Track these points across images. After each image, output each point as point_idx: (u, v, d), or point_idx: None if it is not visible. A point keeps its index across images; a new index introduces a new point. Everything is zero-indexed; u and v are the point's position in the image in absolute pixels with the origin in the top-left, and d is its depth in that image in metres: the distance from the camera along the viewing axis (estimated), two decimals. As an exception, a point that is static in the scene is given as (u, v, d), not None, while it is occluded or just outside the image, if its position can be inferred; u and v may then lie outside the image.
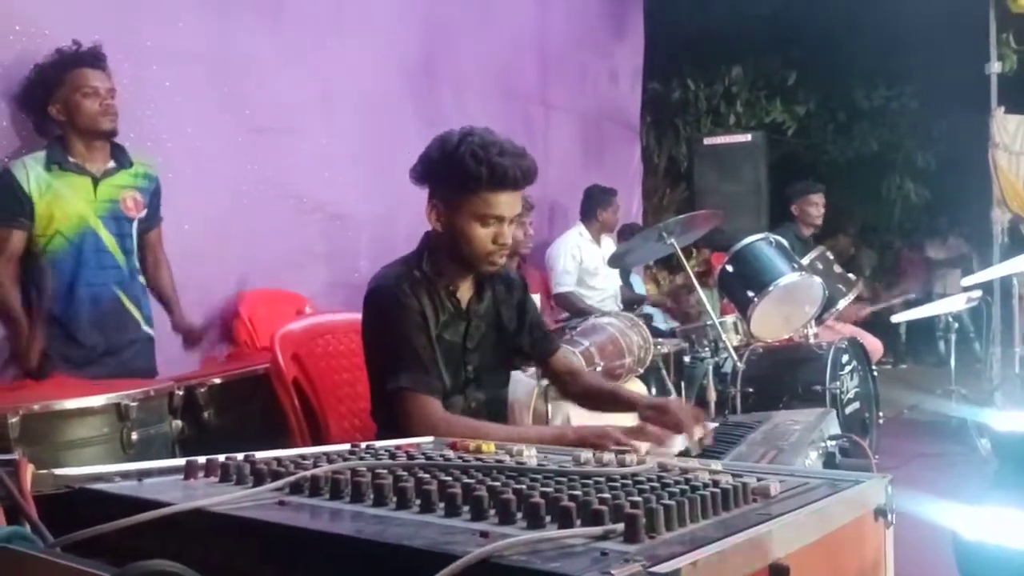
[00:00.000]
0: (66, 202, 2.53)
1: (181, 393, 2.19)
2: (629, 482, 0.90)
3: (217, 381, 2.40)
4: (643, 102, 6.98)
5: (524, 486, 0.86)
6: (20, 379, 2.37)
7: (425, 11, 4.52)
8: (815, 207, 4.99)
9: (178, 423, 2.14)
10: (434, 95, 4.50)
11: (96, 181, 2.59)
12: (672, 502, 0.77)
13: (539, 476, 0.93)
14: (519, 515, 0.79)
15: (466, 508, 0.82)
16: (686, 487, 0.86)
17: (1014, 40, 6.11)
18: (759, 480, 0.94)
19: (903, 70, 9.08)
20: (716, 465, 1.10)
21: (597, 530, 0.72)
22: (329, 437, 2.15)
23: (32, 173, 2.49)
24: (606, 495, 0.81)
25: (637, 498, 0.78)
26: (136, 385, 2.06)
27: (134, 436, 1.93)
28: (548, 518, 0.77)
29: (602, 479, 0.92)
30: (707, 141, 6.85)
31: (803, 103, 9.06)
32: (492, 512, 0.80)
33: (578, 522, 0.75)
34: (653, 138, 8.19)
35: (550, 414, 2.91)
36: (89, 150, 2.59)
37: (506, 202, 1.86)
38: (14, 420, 1.76)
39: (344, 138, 3.95)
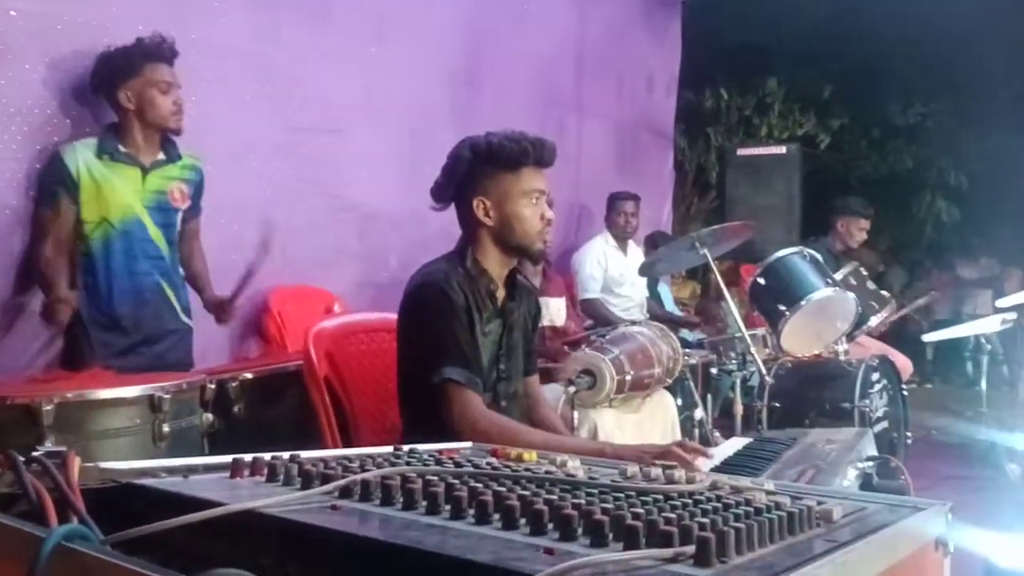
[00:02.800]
0: (114, 190, 2.54)
1: (213, 387, 2.19)
2: (689, 501, 0.87)
3: (249, 376, 2.40)
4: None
5: (582, 500, 0.83)
6: (55, 369, 2.38)
7: (466, 18, 4.53)
8: (861, 231, 4.96)
9: (208, 416, 2.14)
10: (472, 100, 4.50)
11: (145, 172, 2.61)
12: (741, 525, 0.74)
13: (595, 490, 0.91)
14: (580, 531, 0.76)
15: (523, 521, 0.79)
16: (750, 509, 0.83)
17: (1059, 59, 6.02)
18: (819, 503, 0.91)
19: (940, 87, 8.98)
20: (769, 485, 1.07)
21: (667, 552, 0.69)
22: (359, 436, 2.14)
23: (82, 158, 2.51)
24: (669, 515, 0.78)
25: (704, 520, 0.76)
26: (170, 377, 2.06)
27: (165, 428, 1.93)
28: (611, 536, 0.75)
29: (660, 496, 0.89)
30: (740, 152, 6.78)
31: (837, 117, 8.97)
32: (551, 527, 0.78)
33: (643, 543, 0.72)
34: (683, 147, 8.14)
35: (576, 421, 2.88)
36: (145, 141, 2.61)
37: (543, 178, 2.01)
38: (48, 408, 1.77)
39: (382, 139, 3.96)
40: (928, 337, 6.08)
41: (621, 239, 5.04)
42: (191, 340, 2.77)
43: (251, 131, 3.35)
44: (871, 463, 2.10)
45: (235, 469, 1.01)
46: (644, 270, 4.40)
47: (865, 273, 4.38)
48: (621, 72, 5.96)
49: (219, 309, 2.69)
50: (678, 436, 3.29)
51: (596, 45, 5.62)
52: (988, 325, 5.14)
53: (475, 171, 1.98)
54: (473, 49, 4.58)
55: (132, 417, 1.91)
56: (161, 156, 2.66)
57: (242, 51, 3.34)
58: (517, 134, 1.98)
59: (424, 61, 4.24)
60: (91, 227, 2.53)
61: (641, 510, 0.80)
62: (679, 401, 3.62)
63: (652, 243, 5.43)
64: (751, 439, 2.38)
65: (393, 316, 2.09)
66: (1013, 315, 5.10)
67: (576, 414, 2.87)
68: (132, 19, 2.72)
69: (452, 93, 4.41)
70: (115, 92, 2.58)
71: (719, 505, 0.85)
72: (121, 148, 2.58)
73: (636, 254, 5.06)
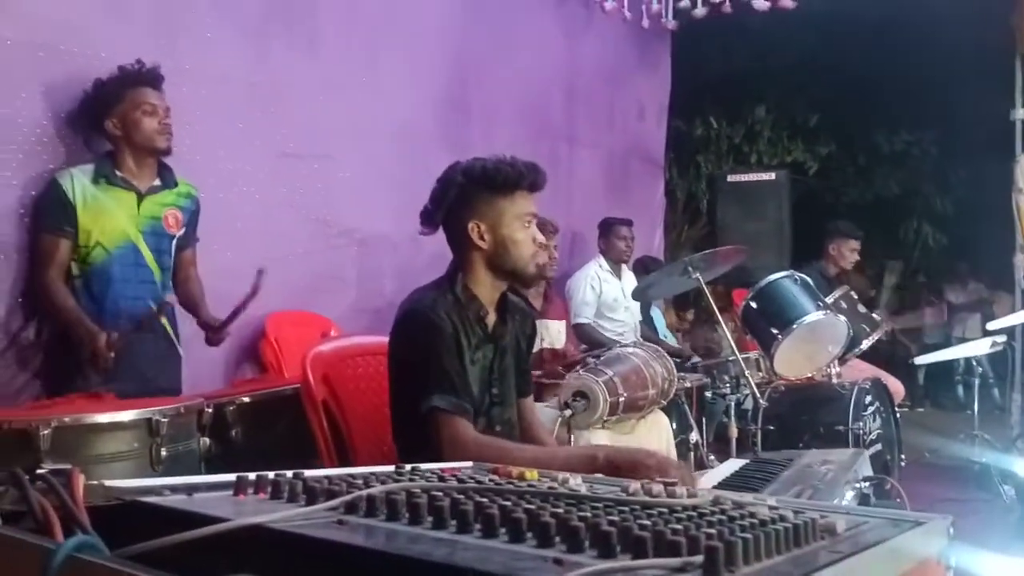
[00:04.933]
0: (110, 215, 2.56)
1: (210, 411, 2.19)
2: (694, 514, 0.87)
3: (246, 400, 2.40)
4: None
5: (588, 513, 0.84)
6: (48, 396, 2.37)
7: (456, 48, 4.58)
8: (853, 252, 5.03)
9: (206, 440, 2.14)
10: (463, 127, 4.55)
11: (141, 197, 2.63)
12: (748, 535, 0.74)
13: (600, 504, 0.91)
14: (587, 543, 0.77)
15: (530, 534, 0.80)
16: (755, 521, 0.84)
17: (1041, 86, 6.12)
18: (822, 517, 0.92)
19: (925, 115, 9.11)
20: (771, 500, 1.07)
21: (675, 562, 0.70)
22: (356, 460, 2.13)
23: (78, 184, 2.53)
24: (676, 526, 0.78)
25: (711, 530, 0.76)
26: (167, 401, 2.06)
27: (163, 452, 1.93)
28: (619, 547, 0.75)
29: (665, 509, 0.89)
30: (730, 178, 6.85)
31: (825, 145, 9.09)
32: (558, 539, 0.78)
33: (651, 553, 0.73)
34: (674, 175, 8.21)
35: (572, 442, 2.88)
36: (139, 167, 2.64)
37: (534, 202, 2.03)
38: (46, 432, 1.76)
39: (374, 165, 3.99)
40: (920, 359, 6.11)
41: (616, 263, 5.07)
42: (180, 367, 2.77)
43: (244, 159, 3.38)
44: (868, 483, 2.11)
45: (239, 487, 1.01)
46: (637, 294, 4.42)
47: (855, 296, 4.41)
48: (612, 102, 6.03)
49: (211, 330, 2.70)
50: (674, 456, 3.29)
51: (587, 75, 5.69)
52: (978, 348, 5.17)
53: (469, 194, 1.99)
54: (463, 78, 4.63)
55: (130, 441, 1.90)
56: (157, 182, 2.68)
57: (234, 80, 3.38)
58: (510, 158, 1.99)
59: (414, 89, 4.29)
60: (86, 252, 2.54)
61: (648, 522, 0.81)
62: (674, 425, 3.61)
63: (643, 267, 5.45)
64: (747, 460, 2.39)
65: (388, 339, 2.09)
66: (1003, 338, 5.14)
67: (572, 436, 2.88)
68: (126, 50, 2.75)
69: (442, 121, 4.45)
70: (103, 122, 2.62)
71: (724, 517, 0.85)
72: (118, 173, 2.60)
73: (629, 279, 5.08)
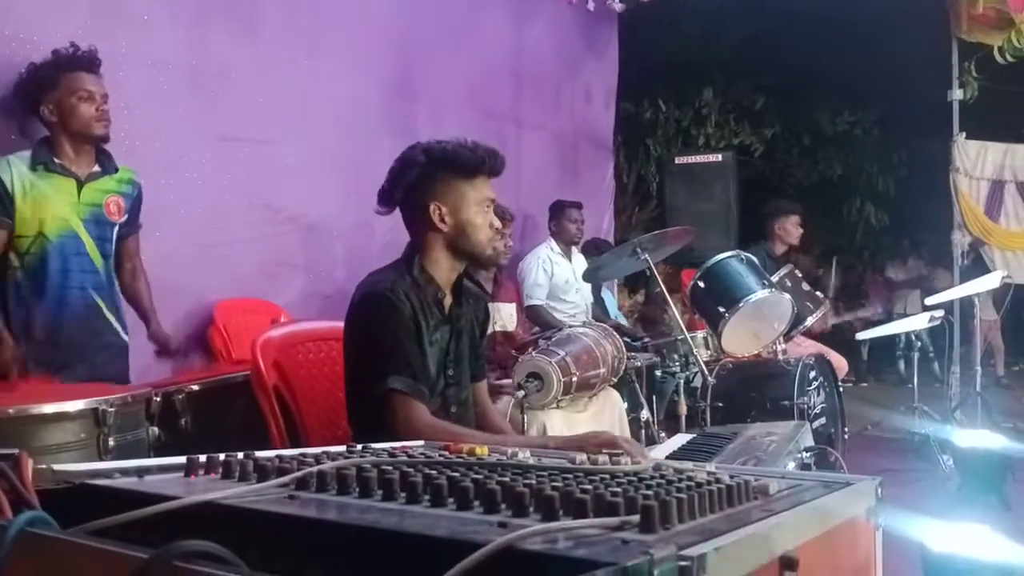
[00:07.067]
0: (49, 203, 2.49)
1: (159, 399, 2.16)
2: (634, 479, 0.91)
3: (195, 388, 2.37)
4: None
5: (533, 481, 0.87)
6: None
7: (402, 29, 4.54)
8: (796, 227, 5.12)
9: (155, 430, 2.12)
10: (409, 111, 4.52)
11: (80, 184, 2.57)
12: (683, 495, 0.78)
13: (544, 472, 0.94)
14: (532, 508, 0.80)
15: (477, 502, 0.83)
16: (691, 483, 0.88)
17: (976, 69, 6.30)
18: (756, 480, 0.97)
19: (867, 97, 9.33)
20: (710, 466, 1.12)
21: (613, 521, 0.73)
22: (309, 445, 2.12)
23: (15, 171, 2.46)
24: (616, 490, 0.82)
25: (648, 492, 0.80)
26: (114, 390, 2.03)
27: (111, 442, 1.90)
28: (561, 511, 0.78)
29: (607, 476, 0.93)
30: (678, 160, 6.93)
31: (770, 126, 9.25)
32: (504, 506, 0.81)
33: (592, 514, 0.76)
34: (623, 157, 8.28)
35: (525, 423, 2.92)
36: (77, 153, 2.57)
37: (492, 188, 2.04)
38: (-11, 424, 1.73)
39: (319, 150, 3.95)
40: (861, 335, 6.28)
41: (567, 246, 5.11)
42: (127, 356, 2.73)
43: (185, 144, 3.32)
44: (809, 453, 2.19)
45: (189, 468, 1.02)
46: (588, 276, 4.47)
47: (800, 275, 4.52)
48: (559, 84, 6.05)
49: (163, 346, 2.72)
50: (627, 431, 3.35)
51: (534, 58, 5.69)
52: (917, 323, 5.33)
53: (430, 176, 1.98)
54: (408, 61, 4.59)
55: (76, 432, 1.87)
56: (96, 168, 2.62)
57: (173, 64, 3.32)
58: (471, 143, 1.99)
59: (358, 73, 4.24)
60: (27, 242, 2.48)
61: (589, 487, 0.84)
62: (625, 403, 3.68)
63: (595, 249, 5.50)
64: (695, 435, 2.46)
65: (341, 324, 2.10)
66: (940, 313, 5.30)
67: (525, 416, 2.91)
68: (61, 33, 2.68)
69: (388, 104, 4.41)
70: (38, 108, 2.55)
71: (663, 481, 0.89)
72: (56, 160, 2.54)
73: (580, 261, 5.13)
